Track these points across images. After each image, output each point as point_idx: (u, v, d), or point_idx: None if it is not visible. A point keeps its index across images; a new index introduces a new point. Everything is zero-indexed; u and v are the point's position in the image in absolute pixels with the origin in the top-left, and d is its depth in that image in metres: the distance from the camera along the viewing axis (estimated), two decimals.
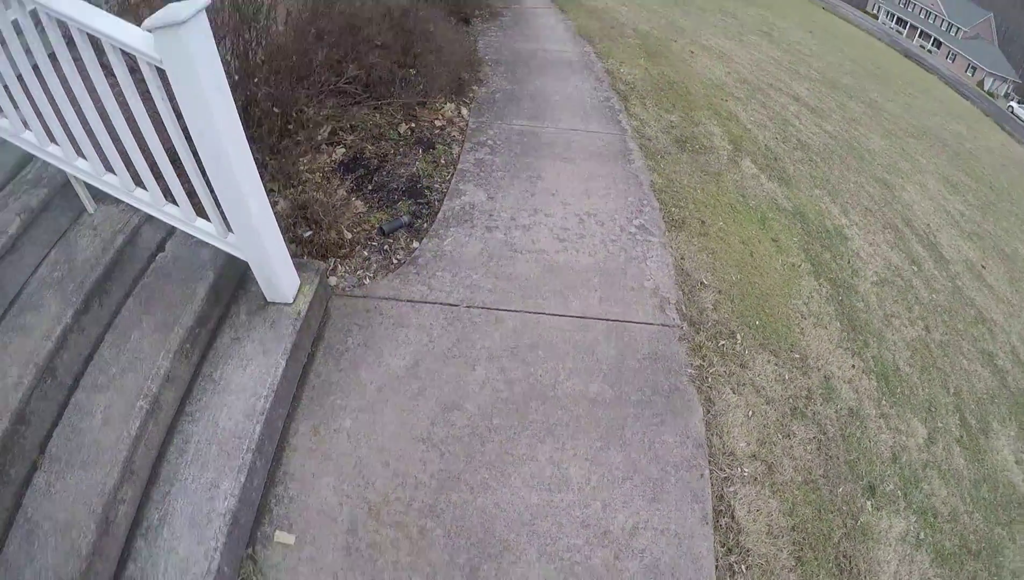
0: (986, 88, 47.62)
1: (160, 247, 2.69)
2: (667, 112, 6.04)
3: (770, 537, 2.68)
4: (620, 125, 5.42)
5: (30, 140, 2.33)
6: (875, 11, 60.42)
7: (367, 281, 3.33)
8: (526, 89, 5.95)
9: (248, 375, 2.42)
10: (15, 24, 2.01)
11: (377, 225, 3.65)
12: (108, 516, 1.87)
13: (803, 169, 6.50)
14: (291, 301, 2.75)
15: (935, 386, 4.54)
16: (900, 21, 57.53)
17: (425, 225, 3.78)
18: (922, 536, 3.24)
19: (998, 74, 49.07)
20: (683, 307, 3.51)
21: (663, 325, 3.33)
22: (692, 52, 9.42)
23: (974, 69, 49.53)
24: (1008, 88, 49.34)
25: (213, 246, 2.51)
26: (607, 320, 3.30)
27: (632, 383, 2.98)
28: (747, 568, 2.53)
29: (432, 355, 2.96)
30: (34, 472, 1.92)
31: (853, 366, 3.90)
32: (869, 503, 3.17)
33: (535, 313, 3.27)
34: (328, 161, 4.04)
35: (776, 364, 3.46)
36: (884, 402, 3.88)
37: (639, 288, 3.56)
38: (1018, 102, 45.77)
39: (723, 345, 3.39)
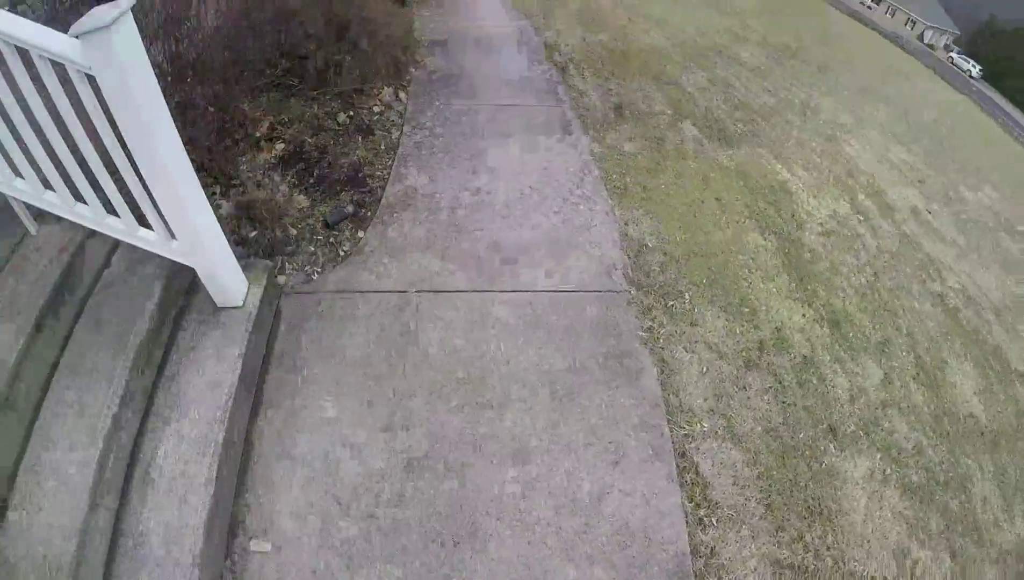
0: (926, 41, 48.78)
1: (106, 262, 2.58)
2: (606, 81, 6.02)
3: (737, 488, 2.72)
4: (558, 97, 5.40)
5: None
6: None
7: (315, 276, 3.26)
8: (464, 68, 5.88)
9: (206, 382, 2.37)
10: None
11: (321, 218, 3.58)
12: (82, 543, 1.82)
13: (745, 129, 6.55)
14: (241, 304, 2.69)
15: (887, 328, 4.64)
16: None
17: (369, 213, 3.72)
18: (888, 472, 3.31)
19: (937, 27, 50.29)
20: (630, 272, 3.52)
21: (611, 291, 3.34)
22: (631, 19, 9.39)
23: (914, 23, 50.68)
24: (947, 40, 50.67)
25: (159, 256, 2.42)
26: (556, 291, 3.29)
27: (584, 351, 2.98)
28: (717, 520, 2.56)
29: (385, 344, 2.92)
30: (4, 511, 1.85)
31: (804, 315, 3.96)
32: (832, 445, 3.23)
33: (485, 291, 3.24)
34: (268, 157, 3.94)
35: (726, 319, 3.50)
36: (837, 347, 3.95)
37: (585, 257, 3.56)
38: (958, 53, 47.18)
39: (672, 305, 3.41)
